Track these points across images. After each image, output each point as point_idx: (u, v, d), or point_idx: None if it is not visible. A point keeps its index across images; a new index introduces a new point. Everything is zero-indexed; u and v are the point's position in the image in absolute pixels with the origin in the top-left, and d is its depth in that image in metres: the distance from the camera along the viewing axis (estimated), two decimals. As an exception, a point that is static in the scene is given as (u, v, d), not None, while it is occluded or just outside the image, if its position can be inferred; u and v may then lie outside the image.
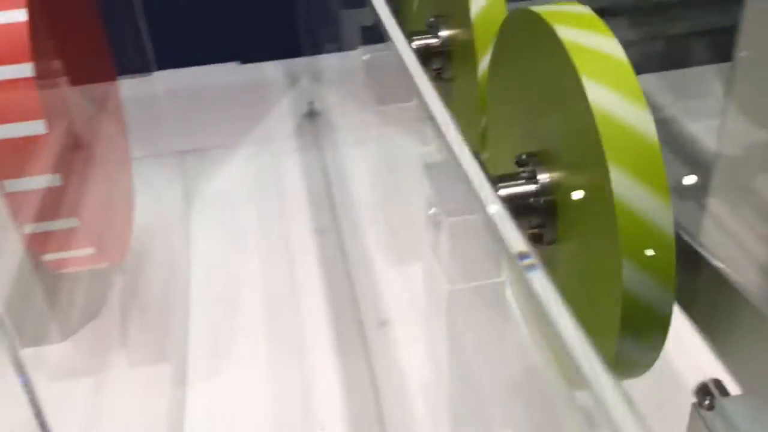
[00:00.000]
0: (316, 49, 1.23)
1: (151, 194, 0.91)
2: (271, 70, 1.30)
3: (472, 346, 0.51)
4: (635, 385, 0.48)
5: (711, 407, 0.43)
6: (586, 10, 0.46)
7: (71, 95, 0.62)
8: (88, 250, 0.62)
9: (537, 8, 0.48)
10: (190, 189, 0.99)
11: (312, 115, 1.15)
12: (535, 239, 0.50)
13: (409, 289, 0.78)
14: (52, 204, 0.57)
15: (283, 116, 1.16)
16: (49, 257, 0.61)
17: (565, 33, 0.43)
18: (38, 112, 0.53)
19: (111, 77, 0.78)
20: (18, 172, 0.54)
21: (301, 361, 0.74)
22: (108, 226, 0.68)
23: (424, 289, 0.55)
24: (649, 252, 0.41)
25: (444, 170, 0.52)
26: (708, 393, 0.45)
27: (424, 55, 0.71)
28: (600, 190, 0.41)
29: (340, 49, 1.27)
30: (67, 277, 0.69)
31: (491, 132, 0.60)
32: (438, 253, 0.52)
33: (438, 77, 0.73)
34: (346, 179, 0.96)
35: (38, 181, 0.55)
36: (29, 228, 0.58)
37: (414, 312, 0.75)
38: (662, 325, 0.43)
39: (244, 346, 0.76)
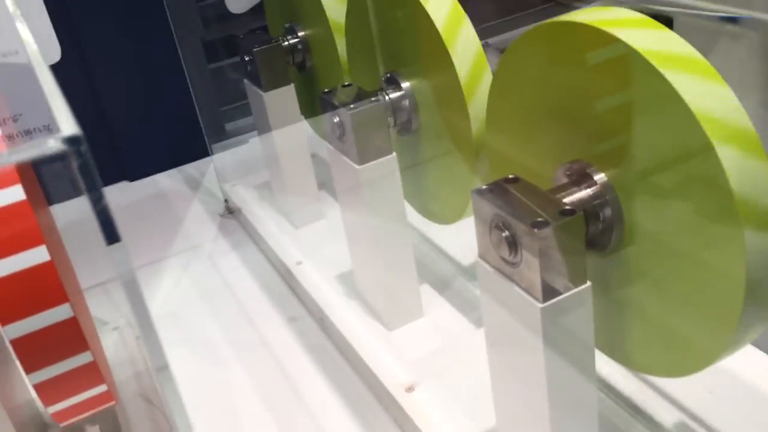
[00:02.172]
0: (209, 150, 1.19)
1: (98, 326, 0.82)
2: (166, 180, 1.24)
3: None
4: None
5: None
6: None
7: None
8: (101, 387, 0.54)
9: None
10: (136, 314, 0.90)
11: (231, 212, 1.10)
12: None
13: (424, 347, 0.75)
14: (64, 340, 0.49)
15: (200, 222, 1.10)
16: (59, 406, 0.53)
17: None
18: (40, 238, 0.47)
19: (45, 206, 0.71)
20: (27, 309, 0.46)
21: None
22: (99, 356, 0.60)
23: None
24: None
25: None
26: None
27: (290, 52, 0.93)
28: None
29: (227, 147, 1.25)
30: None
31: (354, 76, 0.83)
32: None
33: (302, 66, 0.95)
34: (299, 260, 0.91)
35: (50, 315, 0.47)
36: (38, 376, 0.50)
37: (439, 369, 0.72)
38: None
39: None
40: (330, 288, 0.85)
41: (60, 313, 0.48)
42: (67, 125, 0.22)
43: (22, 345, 0.47)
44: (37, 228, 0.47)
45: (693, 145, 0.43)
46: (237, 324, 0.88)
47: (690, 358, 0.50)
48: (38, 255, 0.47)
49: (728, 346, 0.47)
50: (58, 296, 0.48)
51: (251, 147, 1.23)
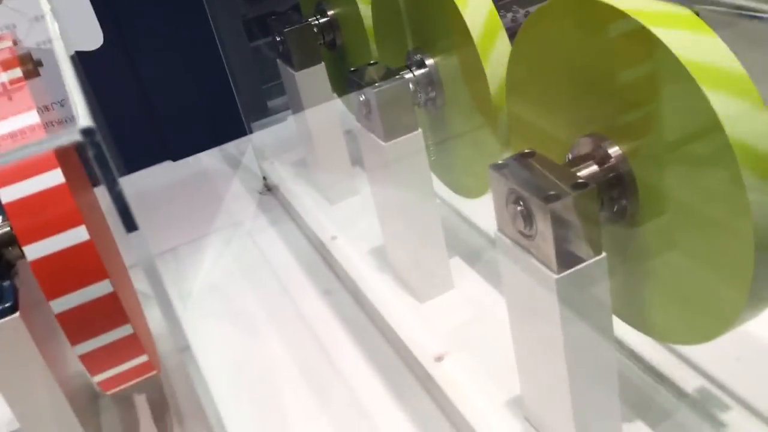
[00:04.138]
0: (247, 129, 1.22)
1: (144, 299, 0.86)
2: (208, 159, 1.28)
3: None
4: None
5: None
6: None
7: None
8: (143, 358, 0.58)
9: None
10: (180, 290, 0.94)
11: (269, 189, 1.13)
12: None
13: (454, 319, 0.77)
14: (106, 314, 0.52)
15: (240, 199, 1.13)
16: (103, 376, 0.56)
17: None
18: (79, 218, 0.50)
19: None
20: (70, 285, 0.50)
21: (370, 424, 0.71)
22: (142, 329, 0.63)
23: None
24: None
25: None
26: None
27: (321, 31, 0.96)
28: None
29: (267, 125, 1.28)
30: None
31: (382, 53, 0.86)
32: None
33: (332, 45, 0.97)
34: (334, 236, 0.94)
35: (91, 291, 0.51)
36: (82, 348, 0.53)
37: (468, 339, 0.74)
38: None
39: (302, 426, 0.72)
40: (363, 262, 0.88)
41: (100, 288, 0.51)
42: (83, 118, 0.25)
43: (66, 319, 0.51)
44: (76, 209, 0.50)
45: (699, 116, 0.44)
46: (275, 297, 0.91)
47: (708, 322, 0.51)
48: (78, 235, 0.50)
49: (744, 306, 0.48)
50: (99, 273, 0.51)
51: (288, 124, 1.26)
